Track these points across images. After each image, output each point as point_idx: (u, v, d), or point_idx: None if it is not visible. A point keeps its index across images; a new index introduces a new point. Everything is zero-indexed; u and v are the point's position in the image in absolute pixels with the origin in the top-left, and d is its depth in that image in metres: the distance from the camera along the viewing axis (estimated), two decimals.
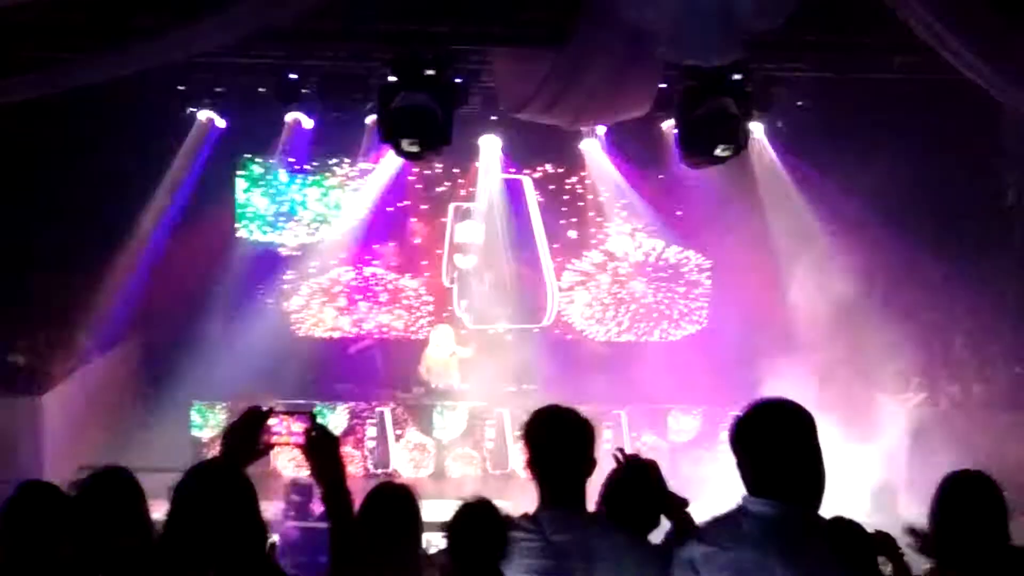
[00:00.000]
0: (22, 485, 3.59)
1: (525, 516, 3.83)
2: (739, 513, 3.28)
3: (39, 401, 13.31)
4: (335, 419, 14.31)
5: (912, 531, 4.19)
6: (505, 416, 14.32)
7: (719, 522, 3.36)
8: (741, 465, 3.29)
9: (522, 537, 3.73)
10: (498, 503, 4.00)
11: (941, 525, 3.96)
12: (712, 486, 5.81)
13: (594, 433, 3.85)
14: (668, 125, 12.90)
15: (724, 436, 3.40)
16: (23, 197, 14.37)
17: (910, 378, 13.79)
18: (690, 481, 8.05)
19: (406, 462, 14.52)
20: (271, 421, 3.49)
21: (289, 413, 3.55)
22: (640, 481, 4.35)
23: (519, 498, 4.25)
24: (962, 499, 3.94)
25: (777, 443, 3.21)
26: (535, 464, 3.80)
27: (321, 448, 3.49)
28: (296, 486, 11.78)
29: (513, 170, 16.34)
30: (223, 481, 3.18)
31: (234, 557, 3.02)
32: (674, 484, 4.33)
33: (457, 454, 14.54)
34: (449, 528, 3.76)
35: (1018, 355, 13.85)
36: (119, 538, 3.72)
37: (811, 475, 3.26)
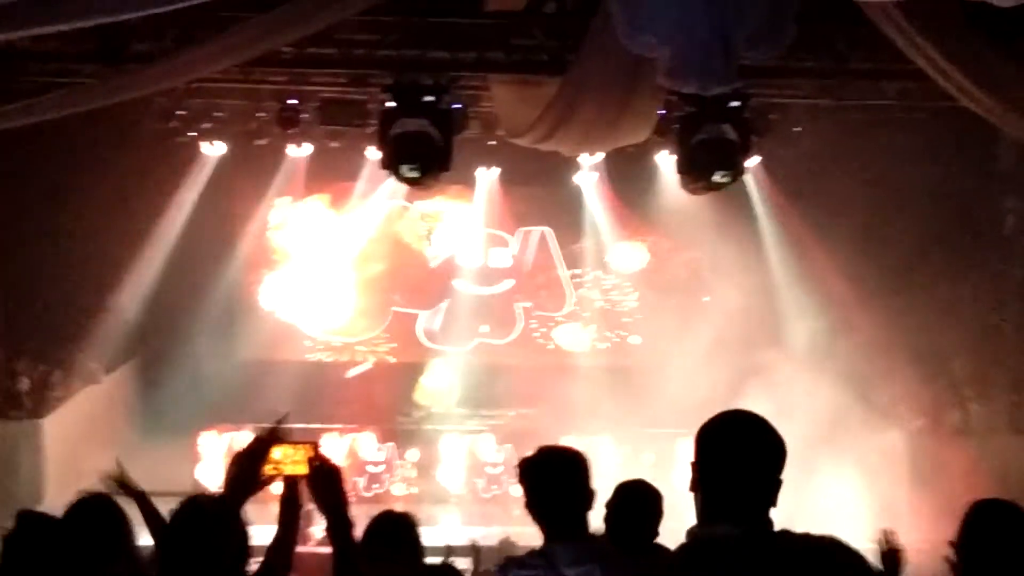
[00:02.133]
0: (21, 515, 3.56)
1: (531, 553, 3.81)
2: (701, 541, 2.96)
3: (39, 424, 13.32)
4: (333, 443, 14.29)
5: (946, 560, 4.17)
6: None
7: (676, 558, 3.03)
8: (702, 479, 2.94)
9: (527, 574, 3.72)
10: (497, 529, 4.03)
11: (968, 553, 3.84)
12: None
13: (588, 465, 3.86)
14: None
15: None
16: (25, 222, 14.41)
17: (910, 403, 13.79)
18: None
19: (401, 484, 14.49)
20: (274, 452, 3.51)
21: (293, 443, 3.57)
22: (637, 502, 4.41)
23: (515, 523, 4.25)
24: (990, 527, 3.83)
25: (742, 458, 3.00)
26: (534, 505, 3.80)
27: (325, 479, 3.52)
28: None
29: None
30: (214, 520, 3.18)
31: None
32: None
33: (452, 476, 14.53)
34: None
35: (1019, 380, 13.86)
36: (103, 566, 3.70)
37: (768, 498, 3.03)
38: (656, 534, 4.43)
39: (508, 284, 17.24)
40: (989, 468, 11.33)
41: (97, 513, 3.97)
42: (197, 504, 3.29)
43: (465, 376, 15.96)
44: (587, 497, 3.78)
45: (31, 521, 3.47)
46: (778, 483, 2.93)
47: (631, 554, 3.97)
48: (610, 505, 4.40)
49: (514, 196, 16.62)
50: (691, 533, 2.94)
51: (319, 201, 16.66)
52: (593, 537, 3.80)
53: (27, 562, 3.34)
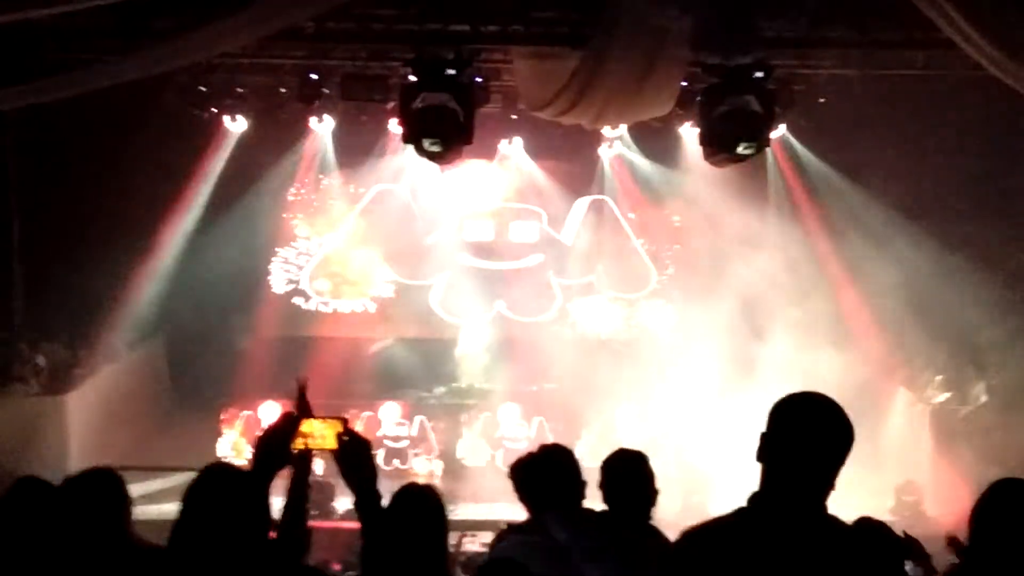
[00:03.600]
0: (19, 480, 3.58)
1: (527, 520, 3.87)
2: (753, 512, 3.05)
3: (63, 400, 13.43)
4: (356, 418, 14.34)
5: (953, 540, 4.13)
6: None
7: (728, 522, 3.09)
8: (769, 451, 3.04)
9: (525, 539, 3.76)
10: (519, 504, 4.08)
11: (981, 535, 3.72)
12: None
13: (575, 462, 4.04)
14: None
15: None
16: (49, 200, 14.47)
17: (935, 376, 13.71)
18: None
19: (424, 459, 14.52)
20: (303, 427, 3.51)
21: (322, 418, 3.57)
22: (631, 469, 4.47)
23: None
24: (1005, 509, 3.70)
25: (812, 437, 3.03)
26: (526, 500, 3.92)
27: (354, 453, 3.52)
28: (317, 485, 11.82)
29: None
30: (236, 486, 3.16)
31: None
32: None
33: (475, 450, 14.56)
34: None
35: None
36: (96, 536, 3.70)
37: (830, 478, 3.07)
38: (652, 496, 4.45)
39: (537, 259, 17.21)
40: (1014, 442, 11.25)
41: (96, 485, 3.96)
42: (218, 471, 3.27)
43: (489, 350, 15.96)
44: (576, 489, 3.89)
45: (28, 487, 3.49)
46: (839, 468, 3.02)
47: (622, 527, 4.03)
48: (601, 484, 4.44)
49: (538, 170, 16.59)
50: (752, 499, 3.03)
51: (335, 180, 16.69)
52: (585, 509, 3.89)
53: (17, 525, 3.36)
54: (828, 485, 3.01)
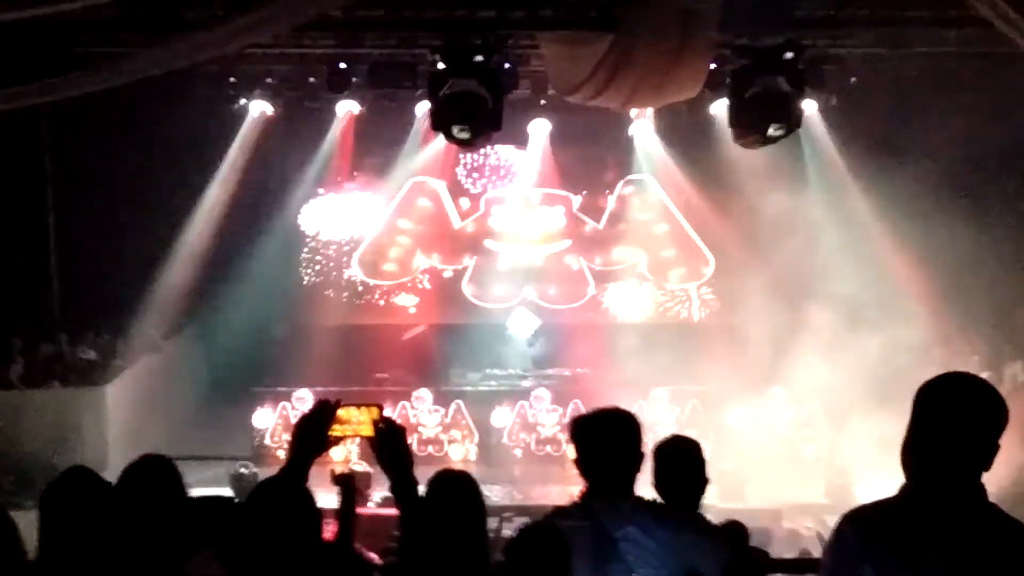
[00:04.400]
0: (68, 470, 3.62)
1: (575, 504, 3.84)
2: (917, 496, 2.98)
3: (103, 391, 13.58)
4: (389, 405, 14.41)
5: None
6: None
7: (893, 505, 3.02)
8: (917, 437, 2.99)
9: (571, 524, 3.73)
10: (554, 489, 4.06)
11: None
12: None
13: (639, 428, 3.88)
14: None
15: None
16: (81, 196, 14.60)
17: (972, 356, 13.60)
18: None
19: (458, 445, 14.57)
20: (339, 412, 3.54)
21: (357, 405, 3.59)
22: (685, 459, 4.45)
23: (572, 482, 4.26)
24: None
25: (963, 418, 2.95)
26: (583, 462, 3.83)
27: (389, 440, 3.55)
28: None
29: None
30: (288, 502, 3.28)
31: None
32: None
33: (509, 435, 14.61)
34: (509, 555, 3.73)
35: None
36: (150, 523, 3.76)
37: (983, 461, 3.00)
38: (704, 482, 4.44)
39: (565, 244, 17.21)
40: None
41: (150, 472, 4.00)
42: (265, 485, 3.38)
43: (522, 336, 16.03)
44: (635, 458, 3.80)
45: (76, 475, 3.52)
46: (996, 447, 2.96)
47: (671, 517, 3.99)
48: (654, 469, 4.40)
49: (566, 155, 16.55)
50: (905, 488, 2.98)
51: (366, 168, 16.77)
52: (636, 497, 3.83)
53: (69, 513, 3.40)
54: (982, 465, 2.95)
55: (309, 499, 3.33)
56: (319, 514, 3.35)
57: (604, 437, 3.82)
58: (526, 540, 3.59)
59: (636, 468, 3.80)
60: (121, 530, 3.47)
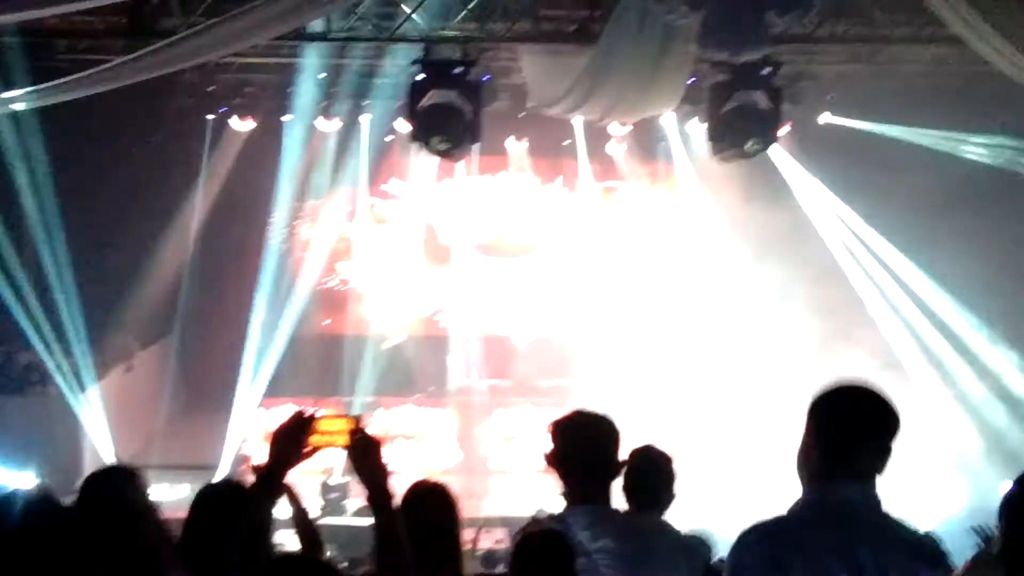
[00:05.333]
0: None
1: (551, 517, 3.86)
2: (815, 504, 3.03)
3: (77, 400, 13.49)
4: (369, 414, 14.38)
5: (978, 531, 4.09)
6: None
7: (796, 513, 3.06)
8: (814, 444, 3.03)
9: None
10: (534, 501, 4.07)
11: (1011, 529, 3.31)
12: None
13: (617, 435, 3.90)
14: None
15: None
16: (58, 204, 14.52)
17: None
18: None
19: (438, 455, 14.56)
20: (316, 423, 3.56)
21: (333, 416, 3.61)
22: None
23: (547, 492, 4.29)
24: None
25: (857, 423, 3.01)
26: (559, 463, 3.85)
27: (365, 451, 3.56)
28: (330, 485, 11.96)
29: None
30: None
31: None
32: None
33: (490, 446, 14.60)
34: (517, 560, 3.75)
35: None
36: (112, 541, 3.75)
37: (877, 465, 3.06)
38: (670, 495, 4.51)
39: (545, 254, 17.25)
40: None
41: (112, 482, 3.97)
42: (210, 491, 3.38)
43: (502, 347, 16.04)
44: (611, 464, 3.83)
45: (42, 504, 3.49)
46: (889, 452, 3.00)
47: (646, 528, 4.03)
48: (625, 473, 4.44)
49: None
50: (803, 498, 3.02)
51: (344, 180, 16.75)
52: (610, 509, 3.86)
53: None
54: (878, 472, 3.00)
55: (249, 503, 3.31)
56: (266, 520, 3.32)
57: (582, 439, 3.85)
58: (532, 544, 3.62)
59: (611, 473, 3.83)
60: (76, 550, 3.45)
